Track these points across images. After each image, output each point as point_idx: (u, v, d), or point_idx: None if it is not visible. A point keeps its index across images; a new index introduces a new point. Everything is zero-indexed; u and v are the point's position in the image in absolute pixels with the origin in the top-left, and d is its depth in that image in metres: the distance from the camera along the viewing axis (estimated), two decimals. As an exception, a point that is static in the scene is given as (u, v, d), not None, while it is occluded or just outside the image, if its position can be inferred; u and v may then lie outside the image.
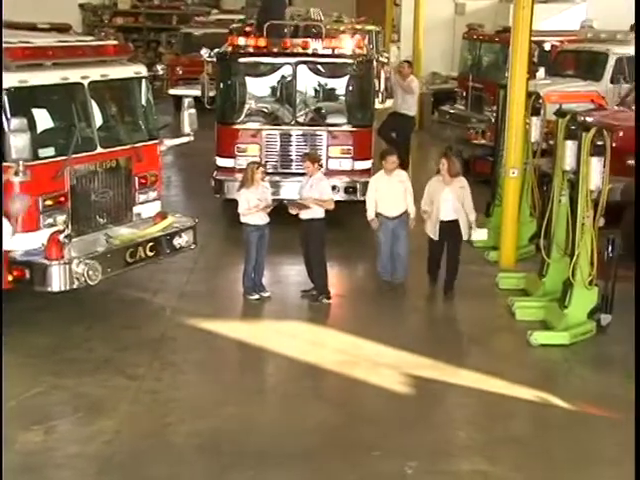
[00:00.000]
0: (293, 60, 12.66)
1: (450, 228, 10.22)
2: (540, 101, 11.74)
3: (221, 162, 12.80)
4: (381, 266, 10.53)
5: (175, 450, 7.06)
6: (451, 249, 10.38)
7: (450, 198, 10.16)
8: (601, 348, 9.14)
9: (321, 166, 10.51)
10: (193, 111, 10.30)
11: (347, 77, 12.95)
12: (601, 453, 7.14)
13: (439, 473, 6.83)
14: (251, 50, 12.72)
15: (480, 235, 10.58)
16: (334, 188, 11.80)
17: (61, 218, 8.73)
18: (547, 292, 10.01)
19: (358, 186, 12.67)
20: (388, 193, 10.33)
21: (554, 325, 9.32)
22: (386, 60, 14.69)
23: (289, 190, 12.16)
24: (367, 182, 12.61)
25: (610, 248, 9.22)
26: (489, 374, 8.33)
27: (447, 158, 10.28)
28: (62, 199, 8.93)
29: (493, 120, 14.30)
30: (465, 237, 10.38)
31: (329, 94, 13.25)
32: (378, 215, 10.37)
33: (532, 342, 9.02)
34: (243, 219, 10.10)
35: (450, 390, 8.22)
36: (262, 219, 10.08)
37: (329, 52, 12.79)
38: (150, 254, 9.53)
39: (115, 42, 10.65)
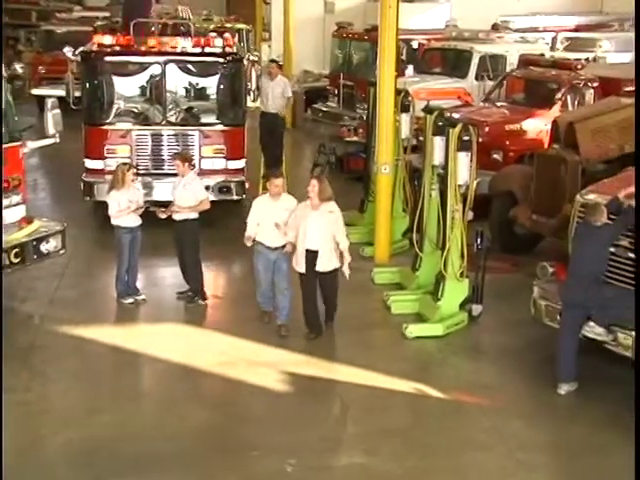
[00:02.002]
0: (162, 59, 12.46)
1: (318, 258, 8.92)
2: (409, 98, 11.97)
3: (90, 164, 12.47)
4: (261, 295, 9.44)
5: (47, 464, 6.82)
6: (323, 282, 9.07)
7: (317, 224, 8.88)
8: (473, 338, 9.41)
9: (193, 166, 10.37)
10: (57, 111, 9.97)
11: (217, 76, 12.86)
12: (473, 439, 7.33)
13: (319, 469, 6.87)
14: (117, 49, 12.45)
15: (347, 272, 9.08)
16: (208, 188, 11.66)
17: None
18: (421, 285, 10.22)
19: (232, 185, 12.62)
20: (271, 220, 9.08)
21: (428, 317, 9.52)
22: (257, 59, 14.64)
23: (162, 191, 11.98)
24: (241, 181, 12.73)
25: (479, 240, 9.49)
26: (366, 368, 8.44)
27: (318, 180, 9.04)
28: None
29: (365, 117, 14.50)
30: (329, 268, 8.96)
31: (200, 93, 13.12)
32: (257, 244, 9.21)
33: (407, 335, 9.18)
34: (114, 221, 9.87)
35: (328, 386, 8.28)
36: (134, 221, 9.88)
37: (199, 51, 12.67)
38: (15, 260, 9.17)
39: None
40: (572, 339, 7.97)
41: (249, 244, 9.27)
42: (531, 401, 8.07)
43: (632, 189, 8.16)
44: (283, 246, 9.09)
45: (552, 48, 19.61)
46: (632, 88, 13.84)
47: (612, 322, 7.81)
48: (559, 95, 14.14)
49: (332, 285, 9.17)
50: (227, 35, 13.71)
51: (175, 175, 10.42)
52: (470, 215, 9.50)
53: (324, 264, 8.92)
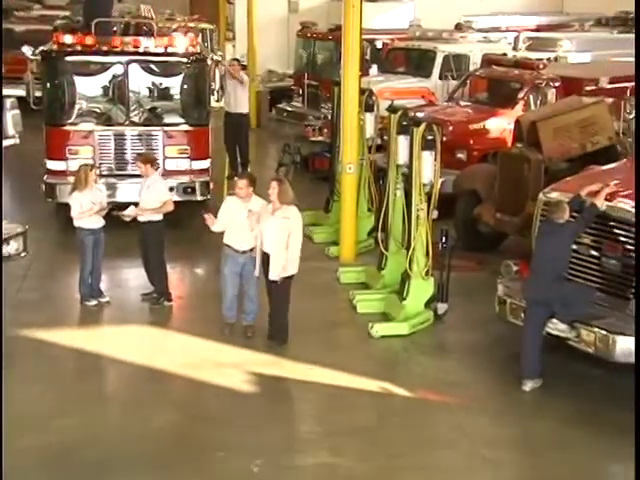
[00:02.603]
0: (124, 59, 12.36)
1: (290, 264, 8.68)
2: (373, 98, 11.98)
3: (52, 165, 12.33)
4: (226, 308, 9.15)
5: (12, 468, 6.67)
6: (272, 290, 8.82)
7: (272, 228, 8.61)
8: (438, 336, 9.43)
9: (157, 167, 10.28)
10: (17, 112, 9.81)
11: (181, 76, 12.79)
12: (439, 437, 7.37)
13: (286, 469, 6.85)
14: (79, 48, 12.31)
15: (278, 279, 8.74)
16: (172, 189, 11.62)
17: None
18: (386, 284, 10.24)
19: (196, 186, 12.56)
20: (240, 222, 8.84)
21: (394, 316, 9.53)
22: (220, 58, 14.57)
23: (125, 192, 11.94)
24: (206, 182, 12.68)
25: (444, 239, 9.53)
26: (332, 368, 8.43)
27: (279, 182, 8.76)
28: None
29: (329, 117, 14.51)
30: (275, 276, 8.64)
31: (164, 93, 13.02)
32: (225, 247, 9.02)
33: (373, 334, 9.18)
34: (77, 223, 9.78)
35: (293, 386, 8.27)
36: (97, 222, 9.79)
37: (162, 51, 12.58)
38: (-24, 263, 9.02)
39: None
40: (536, 336, 8.03)
41: (210, 222, 9.01)
42: (497, 398, 8.11)
43: (594, 187, 8.24)
44: (252, 249, 8.90)
45: (514, 48, 19.76)
46: (593, 87, 14.07)
47: (575, 319, 7.88)
48: (522, 94, 14.25)
49: (280, 296, 8.78)
50: (190, 35, 13.64)
51: (139, 176, 10.35)
52: (435, 214, 9.53)
53: (276, 271, 8.65)
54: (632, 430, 7.19)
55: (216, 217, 9.06)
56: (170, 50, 12.60)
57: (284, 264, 8.58)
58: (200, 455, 6.95)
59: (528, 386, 8.05)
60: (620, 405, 7.70)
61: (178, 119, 12.73)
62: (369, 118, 11.87)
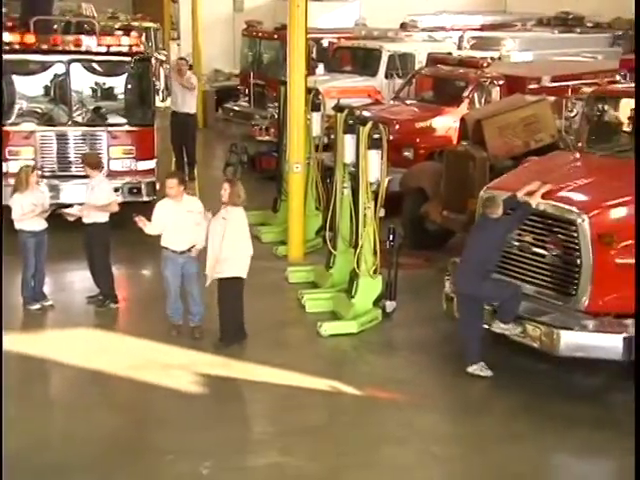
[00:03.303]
0: (65, 58, 12.18)
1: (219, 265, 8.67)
2: (320, 97, 11.97)
3: (-9, 167, 12.08)
4: (170, 308, 9.13)
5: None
6: (218, 288, 8.78)
7: (213, 227, 8.61)
8: (387, 334, 9.46)
9: (100, 168, 10.12)
10: None
11: (125, 75, 12.65)
12: (389, 435, 7.36)
13: (235, 470, 6.80)
14: (17, 47, 12.08)
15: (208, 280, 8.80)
16: (117, 190, 11.47)
17: None
18: (335, 283, 10.23)
19: (142, 186, 12.44)
20: (175, 223, 8.81)
21: (343, 315, 9.53)
22: (165, 58, 14.45)
23: (69, 193, 11.75)
24: (152, 182, 12.55)
25: (391, 237, 9.56)
26: (281, 367, 8.39)
27: (230, 183, 8.73)
28: None
29: (276, 116, 14.46)
30: (219, 275, 8.67)
31: (107, 93, 12.87)
32: (164, 249, 8.93)
33: (322, 333, 9.17)
34: (18, 225, 9.59)
35: (243, 387, 8.22)
36: (39, 224, 9.62)
37: (104, 50, 12.41)
38: None
39: None
40: (471, 324, 8.16)
41: (141, 224, 8.99)
42: (446, 394, 8.18)
43: (532, 187, 8.30)
44: (190, 249, 8.88)
45: (459, 47, 19.94)
46: (536, 86, 14.26)
47: (513, 317, 7.97)
48: (466, 93, 14.39)
49: (224, 297, 8.74)
50: (134, 34, 13.49)
51: (82, 177, 10.23)
52: (382, 212, 9.54)
53: (208, 268, 8.68)
54: (577, 422, 7.39)
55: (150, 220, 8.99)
56: (113, 49, 12.44)
57: (213, 264, 8.60)
58: (148, 458, 6.87)
59: (472, 369, 8.14)
60: (565, 398, 7.83)
61: (122, 119, 12.58)
62: (316, 117, 11.86)
